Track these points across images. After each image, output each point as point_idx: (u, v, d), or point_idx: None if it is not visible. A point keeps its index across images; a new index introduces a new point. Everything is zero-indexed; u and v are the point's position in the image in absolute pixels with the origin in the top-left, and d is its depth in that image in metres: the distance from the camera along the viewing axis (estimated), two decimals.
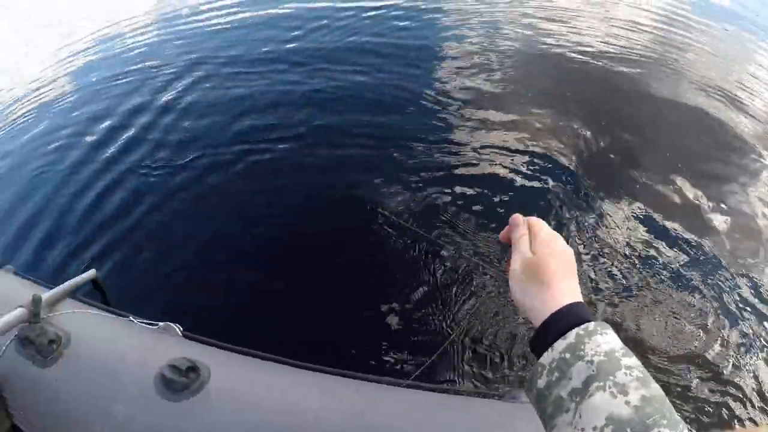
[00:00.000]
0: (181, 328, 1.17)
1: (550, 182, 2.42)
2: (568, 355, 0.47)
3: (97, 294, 1.70)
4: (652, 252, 2.16)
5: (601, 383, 0.44)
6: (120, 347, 1.13)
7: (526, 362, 1.67)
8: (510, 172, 2.45)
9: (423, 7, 4.41)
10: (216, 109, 2.92)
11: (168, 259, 1.90)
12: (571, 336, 0.48)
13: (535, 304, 0.53)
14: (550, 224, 0.63)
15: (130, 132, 2.76)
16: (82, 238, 1.93)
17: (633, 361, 0.46)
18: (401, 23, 4.05)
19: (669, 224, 2.30)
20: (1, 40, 5.30)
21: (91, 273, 1.56)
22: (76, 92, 3.35)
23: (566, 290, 0.54)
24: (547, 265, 0.55)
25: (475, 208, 2.22)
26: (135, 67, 3.59)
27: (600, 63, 3.64)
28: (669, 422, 0.41)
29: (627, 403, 0.43)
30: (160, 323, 1.19)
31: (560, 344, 0.48)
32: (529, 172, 2.46)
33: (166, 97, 3.06)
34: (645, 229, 2.27)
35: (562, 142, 2.72)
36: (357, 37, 3.79)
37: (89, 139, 2.75)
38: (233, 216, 2.20)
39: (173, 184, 2.27)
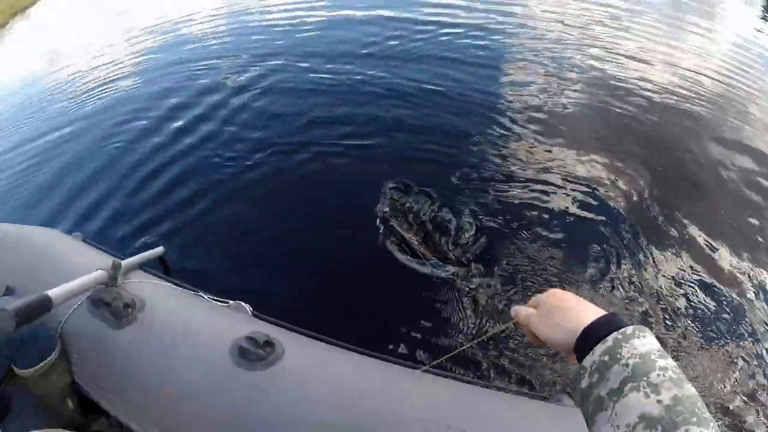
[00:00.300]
0: (251, 308, 1.25)
1: (601, 219, 2.43)
2: (606, 358, 0.51)
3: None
4: (693, 303, 2.12)
5: (636, 383, 0.48)
6: (193, 318, 1.20)
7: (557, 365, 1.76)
8: (561, 205, 2.49)
9: (499, 31, 4.66)
10: (291, 107, 3.16)
11: (233, 245, 2.03)
12: (610, 340, 0.52)
13: (570, 324, 0.58)
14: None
15: (209, 122, 3.02)
16: (149, 216, 2.04)
17: (668, 362, 0.49)
18: (476, 43, 4.25)
19: (713, 281, 2.23)
20: (79, 27, 5.77)
21: (159, 250, 1.62)
22: (155, 79, 3.77)
23: (594, 308, 0.59)
24: (564, 296, 0.63)
25: (526, 237, 2.26)
26: (215, 60, 3.99)
27: (665, 107, 3.67)
28: (698, 419, 0.44)
29: (659, 402, 0.46)
30: (231, 302, 1.26)
31: (600, 348, 0.52)
32: (579, 208, 2.49)
33: (245, 91, 3.35)
34: (690, 280, 2.23)
35: (617, 182, 2.74)
36: (430, 52, 3.98)
37: (168, 122, 3.04)
38: (300, 211, 2.34)
39: (243, 175, 2.50)
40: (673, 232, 2.49)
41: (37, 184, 2.72)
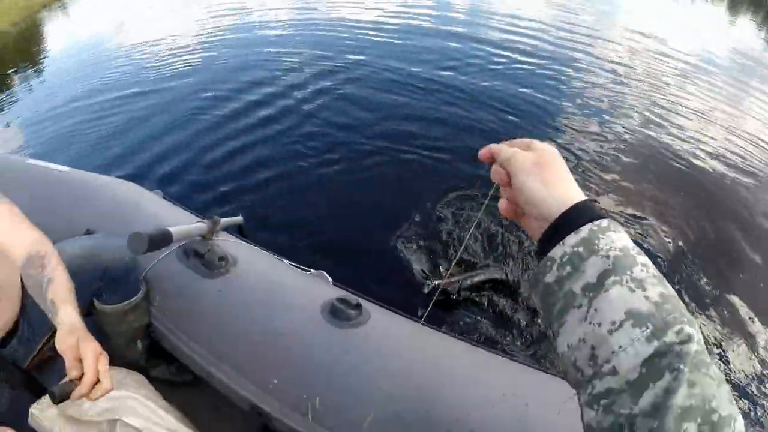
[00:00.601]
0: (331, 279, 1.35)
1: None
2: (581, 249, 0.45)
3: None
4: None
5: (618, 278, 0.42)
6: (282, 278, 1.30)
7: None
8: None
9: (569, 66, 4.92)
10: (371, 111, 3.43)
11: (304, 227, 2.20)
12: (585, 231, 0.46)
13: (551, 195, 0.49)
14: None
15: (294, 113, 3.35)
16: (225, 188, 2.18)
17: (647, 260, 0.44)
18: (546, 79, 4.44)
19: (748, 351, 2.19)
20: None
21: (239, 219, 1.70)
22: (250, 64, 4.20)
23: (573, 186, 0.51)
24: (556, 161, 0.52)
25: None
26: (306, 54, 4.41)
27: (719, 170, 3.65)
28: (688, 320, 0.40)
29: (646, 298, 0.41)
30: (312, 270, 1.37)
31: (572, 239, 0.46)
32: None
33: (331, 91, 3.65)
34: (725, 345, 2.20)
35: (661, 234, 2.74)
36: (502, 82, 4.20)
37: (258, 107, 3.37)
38: (368, 207, 2.55)
39: (320, 167, 2.72)
40: (711, 295, 2.45)
41: (122, 138, 3.07)
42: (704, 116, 4.59)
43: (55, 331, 1.33)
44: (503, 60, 4.73)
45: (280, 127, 3.13)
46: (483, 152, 0.57)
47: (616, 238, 0.45)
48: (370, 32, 5.15)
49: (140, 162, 2.65)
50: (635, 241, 0.47)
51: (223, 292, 1.24)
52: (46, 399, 1.23)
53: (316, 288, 1.29)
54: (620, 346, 0.40)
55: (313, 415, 1.10)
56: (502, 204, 0.56)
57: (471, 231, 2.32)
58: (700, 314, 2.32)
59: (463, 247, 2.29)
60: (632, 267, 0.43)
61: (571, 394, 0.46)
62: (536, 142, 0.54)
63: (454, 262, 2.19)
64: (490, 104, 3.78)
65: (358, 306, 1.19)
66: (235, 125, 3.12)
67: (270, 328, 1.17)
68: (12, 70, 5.29)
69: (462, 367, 1.18)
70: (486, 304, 2.08)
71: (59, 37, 6.73)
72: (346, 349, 1.13)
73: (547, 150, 0.53)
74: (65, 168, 1.64)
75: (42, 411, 1.24)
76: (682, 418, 0.36)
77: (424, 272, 2.11)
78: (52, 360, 1.42)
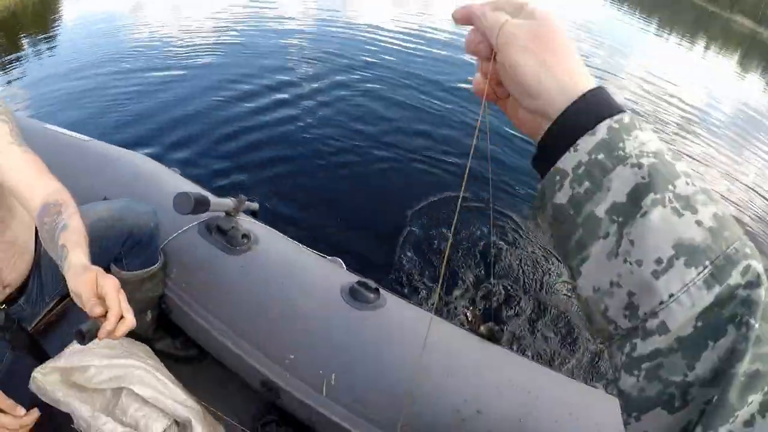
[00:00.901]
0: (344, 265, 1.40)
1: None
2: (601, 157, 0.33)
3: None
4: None
5: (659, 195, 0.31)
6: (302, 260, 1.33)
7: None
8: None
9: None
10: (384, 111, 3.57)
11: (317, 212, 2.21)
12: (602, 130, 0.33)
13: (555, 81, 0.36)
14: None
15: (309, 100, 3.54)
16: (242, 174, 2.19)
17: (687, 166, 0.33)
18: None
19: None
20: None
21: (255, 205, 1.72)
22: (271, 52, 4.41)
23: (583, 71, 0.37)
24: (559, 34, 0.38)
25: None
26: (328, 50, 4.65)
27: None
28: (752, 251, 0.31)
29: (698, 223, 0.30)
30: (328, 256, 1.41)
31: (587, 142, 0.34)
32: None
33: (347, 87, 3.84)
34: None
35: None
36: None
37: (272, 92, 3.53)
38: (376, 196, 2.66)
39: (330, 155, 2.81)
40: None
41: (141, 113, 3.17)
42: (706, 163, 4.63)
43: (63, 297, 1.32)
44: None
45: (293, 114, 3.25)
46: (459, 12, 0.42)
47: (646, 139, 0.33)
48: (399, 39, 5.46)
49: (153, 141, 2.71)
50: None
51: (245, 268, 1.27)
52: (50, 363, 1.22)
53: (335, 271, 1.34)
54: (671, 295, 0.30)
55: (327, 392, 1.13)
56: (477, 80, 0.43)
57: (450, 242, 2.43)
58: None
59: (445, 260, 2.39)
60: (674, 179, 0.32)
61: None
62: (534, 6, 0.39)
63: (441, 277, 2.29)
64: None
65: (377, 290, 1.25)
66: (254, 116, 3.19)
67: (290, 306, 1.21)
68: (27, 35, 5.35)
69: (470, 356, 1.25)
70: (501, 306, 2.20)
71: (77, 7, 6.79)
72: (363, 330, 1.17)
73: (550, 18, 0.38)
74: (84, 137, 1.64)
75: (45, 375, 1.22)
76: (748, 388, 0.28)
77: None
78: (55, 326, 1.41)
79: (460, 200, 1.52)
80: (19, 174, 0.99)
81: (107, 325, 0.79)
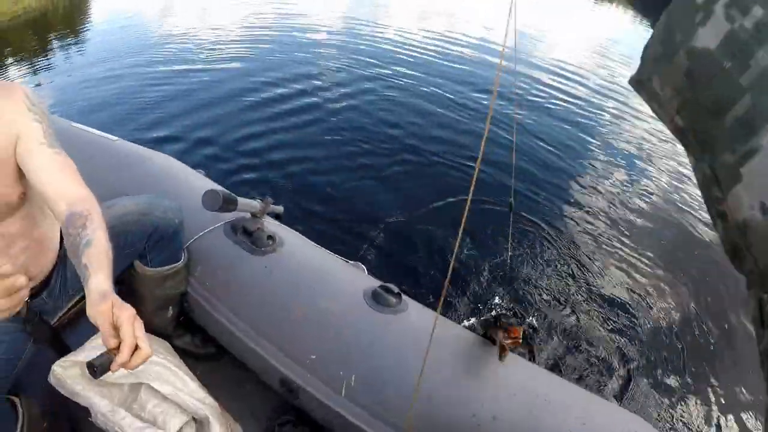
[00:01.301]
0: (366, 269, 1.42)
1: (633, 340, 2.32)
2: None
3: None
4: None
5: None
6: (326, 263, 1.36)
7: None
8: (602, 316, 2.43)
9: (597, 122, 4.87)
10: (409, 118, 3.66)
11: (340, 216, 2.30)
12: None
13: None
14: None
15: (335, 103, 3.69)
16: (267, 177, 2.25)
17: None
18: (576, 129, 4.44)
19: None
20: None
21: (280, 208, 1.74)
22: (301, 59, 4.56)
23: None
24: None
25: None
26: (358, 58, 4.79)
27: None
28: None
29: None
30: (351, 261, 1.44)
31: None
32: (619, 322, 2.43)
33: (372, 93, 3.94)
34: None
35: (664, 308, 2.61)
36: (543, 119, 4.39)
37: (301, 96, 3.67)
38: (396, 203, 2.66)
39: (352, 158, 2.88)
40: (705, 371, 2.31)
41: (170, 113, 3.27)
42: None
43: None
44: (543, 95, 5.03)
45: (326, 126, 3.32)
46: None
47: None
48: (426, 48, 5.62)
49: (180, 139, 2.78)
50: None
51: (269, 269, 1.28)
52: (70, 357, 1.23)
53: (358, 275, 1.36)
54: None
55: (346, 393, 1.15)
56: None
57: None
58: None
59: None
60: None
61: None
62: None
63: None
64: (533, 133, 4.02)
65: (399, 295, 1.27)
66: (281, 120, 3.28)
67: (313, 308, 1.22)
68: (57, 35, 5.51)
69: (488, 361, 1.27)
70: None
71: (106, 7, 7.05)
72: (385, 334, 1.19)
73: None
74: (111, 136, 1.67)
75: (65, 369, 1.23)
76: None
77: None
78: (78, 321, 1.41)
79: (468, 204, 1.56)
80: (49, 176, 0.99)
81: (120, 358, 0.79)
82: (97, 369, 0.80)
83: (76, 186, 1.01)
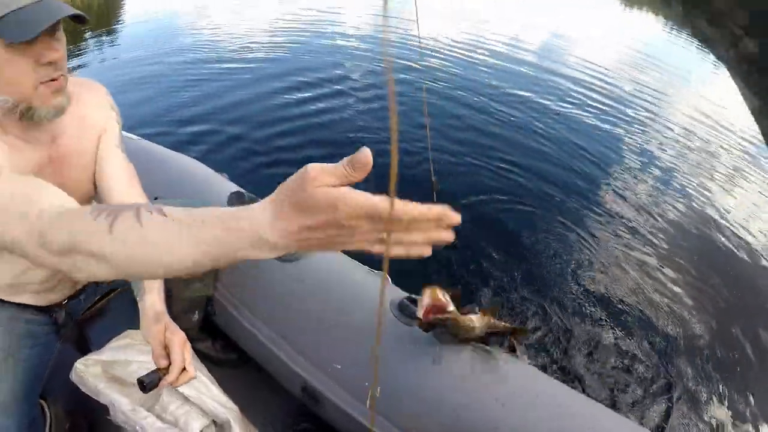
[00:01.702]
0: (390, 280, 1.43)
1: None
2: None
3: None
4: None
5: None
6: (351, 271, 1.36)
7: None
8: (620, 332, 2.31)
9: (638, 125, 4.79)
10: (440, 123, 3.70)
11: None
12: None
13: None
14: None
15: (366, 103, 3.74)
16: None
17: None
18: (613, 140, 4.31)
19: None
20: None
21: None
22: (333, 63, 4.65)
23: None
24: None
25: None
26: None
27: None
28: None
29: None
30: (376, 270, 1.45)
31: None
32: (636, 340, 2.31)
33: (400, 86, 4.00)
34: None
35: (686, 326, 2.47)
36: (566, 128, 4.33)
37: (334, 97, 3.78)
38: None
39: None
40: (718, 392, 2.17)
41: (199, 112, 3.33)
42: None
43: (113, 289, 1.34)
44: (574, 102, 4.98)
45: (352, 126, 3.37)
46: None
47: None
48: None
49: (210, 139, 2.80)
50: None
51: (296, 276, 1.29)
52: (92, 356, 1.23)
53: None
54: None
55: (370, 403, 1.16)
56: None
57: None
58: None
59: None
60: None
61: None
62: None
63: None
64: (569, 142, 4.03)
65: None
66: (306, 118, 3.34)
67: (338, 316, 1.22)
68: (91, 33, 5.60)
69: (510, 374, 1.27)
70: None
71: (140, 6, 7.22)
72: (412, 346, 1.20)
73: None
74: (133, 136, 1.68)
75: (87, 367, 1.23)
76: None
77: None
78: (99, 316, 1.42)
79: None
80: (117, 184, 1.04)
81: (169, 377, 0.89)
82: (147, 385, 0.89)
83: (137, 196, 1.07)
